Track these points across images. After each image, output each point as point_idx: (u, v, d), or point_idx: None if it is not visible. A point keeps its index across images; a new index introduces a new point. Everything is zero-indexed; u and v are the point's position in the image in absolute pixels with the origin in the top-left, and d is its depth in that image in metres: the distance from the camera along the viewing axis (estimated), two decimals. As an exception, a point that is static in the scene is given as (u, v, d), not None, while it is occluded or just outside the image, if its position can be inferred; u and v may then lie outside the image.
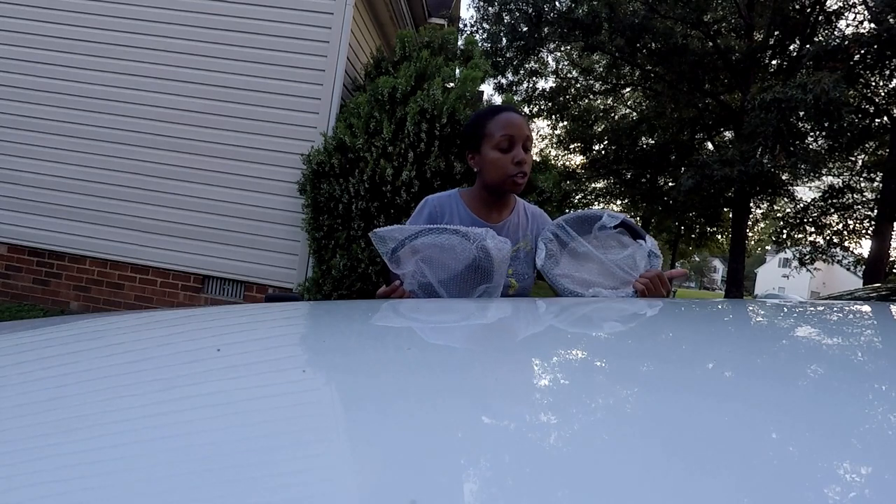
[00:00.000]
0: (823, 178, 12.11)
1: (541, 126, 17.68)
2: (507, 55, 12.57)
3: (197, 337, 0.64)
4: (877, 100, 10.37)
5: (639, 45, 11.46)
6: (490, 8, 12.16)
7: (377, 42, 5.65)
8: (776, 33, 11.13)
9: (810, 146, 10.64)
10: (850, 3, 10.85)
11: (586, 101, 15.54)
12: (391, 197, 3.99)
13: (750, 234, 15.65)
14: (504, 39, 12.08)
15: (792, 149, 9.68)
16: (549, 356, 0.54)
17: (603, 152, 15.69)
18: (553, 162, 15.73)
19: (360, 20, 4.94)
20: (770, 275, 51.58)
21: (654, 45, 11.45)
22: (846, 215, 11.84)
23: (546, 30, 11.51)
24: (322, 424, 0.34)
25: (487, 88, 32.38)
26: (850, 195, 11.82)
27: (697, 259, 55.13)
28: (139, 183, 4.70)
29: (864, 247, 11.71)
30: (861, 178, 12.09)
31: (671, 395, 0.38)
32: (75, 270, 4.81)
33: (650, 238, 1.19)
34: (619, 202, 18.10)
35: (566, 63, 15.35)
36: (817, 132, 9.95)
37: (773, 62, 11.81)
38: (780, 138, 9.11)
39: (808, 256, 12.78)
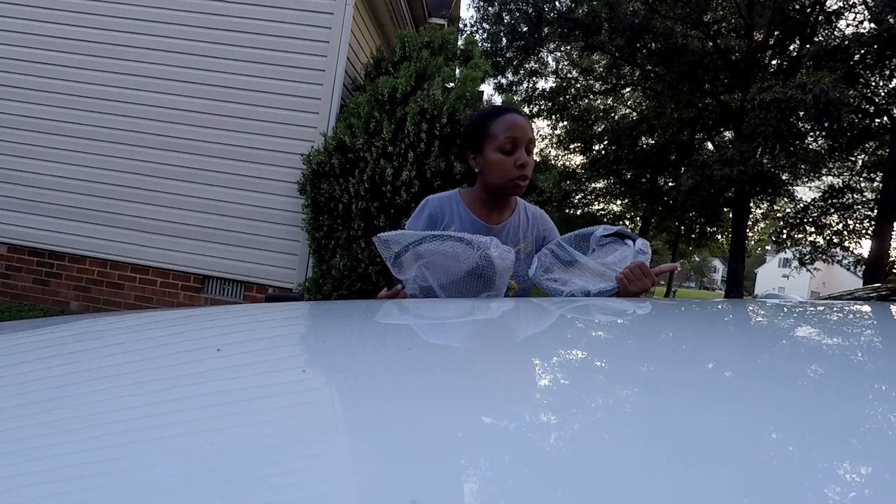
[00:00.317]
0: (823, 178, 12.11)
1: (541, 126, 17.65)
2: (507, 55, 12.56)
3: (197, 337, 0.64)
4: (877, 100, 10.36)
5: (639, 45, 11.46)
6: (490, 8, 12.15)
7: (377, 42, 5.65)
8: (776, 33, 11.13)
9: (810, 146, 10.64)
10: (850, 3, 10.85)
11: (586, 101, 15.54)
12: (391, 197, 3.99)
13: (750, 234, 15.65)
14: (504, 39, 12.07)
15: (792, 149, 9.67)
16: (549, 356, 0.54)
17: (603, 152, 15.68)
18: (553, 162, 15.75)
19: (360, 20, 4.94)
20: (770, 275, 51.58)
21: (654, 45, 11.45)
22: (846, 215, 11.83)
23: (546, 30, 11.51)
24: (322, 424, 0.34)
25: (487, 88, 32.38)
26: (850, 195, 11.81)
27: (697, 259, 55.11)
28: (139, 183, 4.70)
29: (864, 247, 11.72)
30: (861, 178, 12.09)
31: (671, 395, 0.38)
32: (75, 270, 4.81)
33: (642, 240, 1.19)
34: (619, 202, 18.10)
35: (566, 63, 15.35)
36: (817, 132, 9.94)
37: (773, 62, 11.81)
38: (780, 138, 9.11)
39: (808, 256, 12.78)
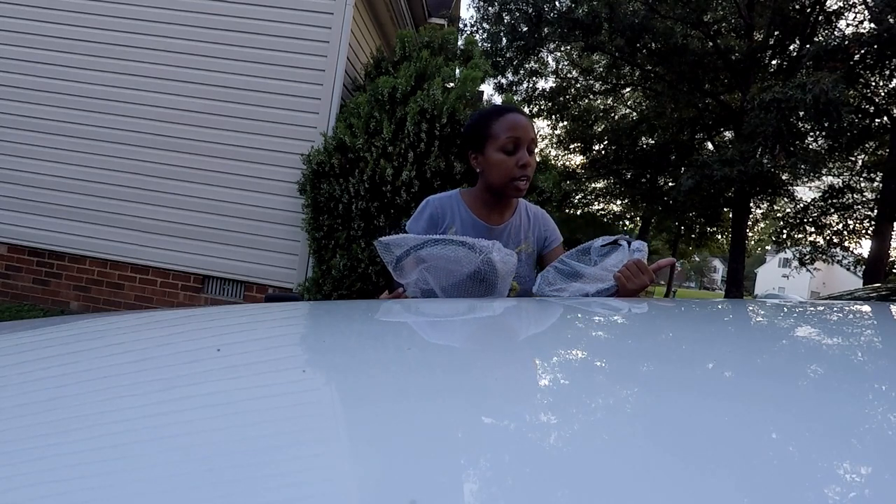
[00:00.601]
0: (823, 178, 12.11)
1: (541, 126, 17.64)
2: (507, 55, 12.56)
3: (197, 337, 0.64)
4: (877, 100, 10.36)
5: (639, 45, 11.45)
6: (490, 8, 12.15)
7: (377, 42, 5.65)
8: (776, 33, 11.12)
9: (810, 146, 10.63)
10: (850, 3, 10.84)
11: (586, 101, 15.53)
12: (391, 197, 3.99)
13: (750, 234, 15.64)
14: (504, 39, 12.07)
15: (792, 149, 9.67)
16: (549, 356, 0.54)
17: (603, 152, 15.68)
18: (553, 162, 15.74)
19: (360, 20, 4.94)
20: (770, 275, 51.58)
21: (654, 45, 11.45)
22: (846, 215, 11.82)
23: (546, 30, 11.50)
24: (322, 424, 0.34)
25: (487, 88, 32.38)
26: (850, 195, 11.81)
27: (697, 259, 55.11)
28: (139, 183, 4.70)
29: (864, 247, 11.72)
30: (861, 178, 12.08)
31: (671, 395, 0.38)
32: (75, 270, 4.81)
33: (638, 241, 1.19)
34: (619, 202, 18.09)
35: (566, 63, 15.34)
36: (817, 132, 9.94)
37: (773, 62, 11.80)
38: (779, 138, 9.11)
39: (808, 256, 12.78)
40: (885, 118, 10.24)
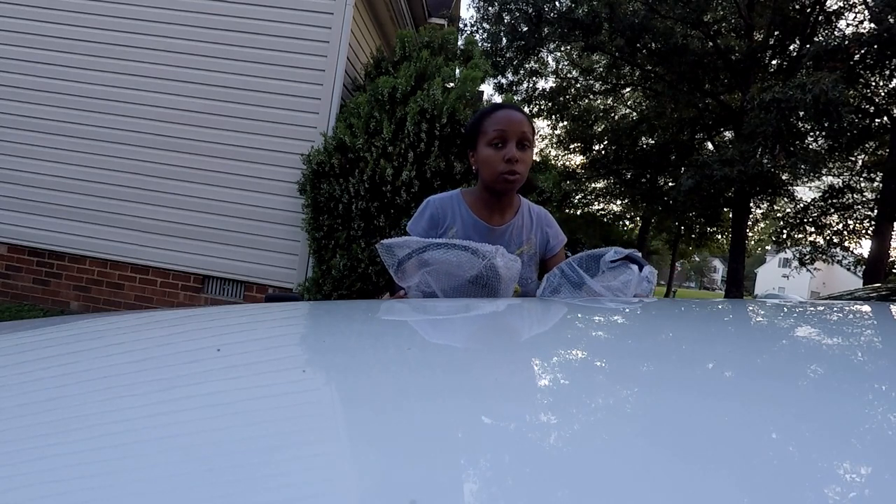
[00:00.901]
0: (823, 178, 12.11)
1: (541, 126, 17.64)
2: (507, 55, 12.56)
3: (197, 337, 0.64)
4: (877, 100, 10.36)
5: (639, 45, 11.46)
6: (490, 8, 12.15)
7: (377, 42, 5.65)
8: (776, 33, 11.13)
9: (810, 146, 10.64)
10: (850, 3, 10.85)
11: (586, 101, 15.54)
12: (391, 197, 3.99)
13: (750, 234, 15.65)
14: (504, 39, 12.07)
15: (792, 149, 9.67)
16: (549, 356, 0.54)
17: (603, 152, 15.68)
18: (553, 162, 15.74)
19: (360, 20, 4.94)
20: (770, 275, 51.57)
21: (654, 45, 11.45)
22: (846, 215, 11.83)
23: (546, 30, 11.50)
24: (322, 424, 0.34)
25: (487, 88, 32.34)
26: (850, 195, 11.81)
27: (697, 259, 55.11)
28: (139, 183, 4.70)
29: (864, 247, 11.72)
30: (861, 178, 12.09)
31: (671, 394, 0.38)
32: (75, 270, 4.81)
33: (649, 267, 1.18)
34: (619, 202, 18.09)
35: (566, 63, 15.35)
36: (817, 132, 9.94)
37: (773, 62, 11.81)
38: (779, 138, 9.11)
39: (808, 256, 12.78)
40: (885, 118, 10.24)
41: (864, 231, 11.60)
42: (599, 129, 15.84)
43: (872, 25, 9.13)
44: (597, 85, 15.11)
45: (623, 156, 15.02)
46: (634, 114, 15.78)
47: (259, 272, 4.65)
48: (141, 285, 4.77)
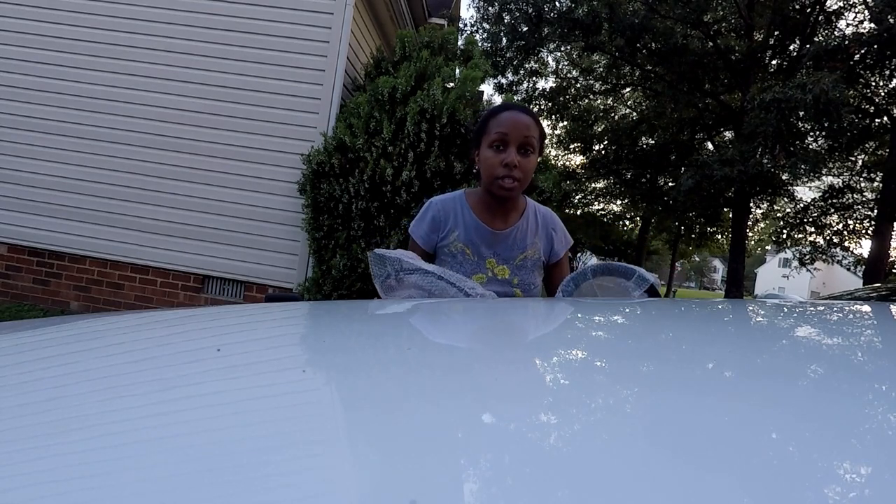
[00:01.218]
0: (823, 178, 12.11)
1: (541, 126, 17.58)
2: (507, 55, 12.56)
3: (197, 337, 0.64)
4: (877, 100, 10.36)
5: (639, 45, 11.46)
6: (490, 8, 12.15)
7: (377, 42, 5.65)
8: (776, 33, 11.12)
9: (810, 146, 10.63)
10: (850, 3, 10.84)
11: (586, 101, 15.53)
12: (391, 197, 3.99)
13: (750, 234, 15.63)
14: (504, 39, 12.07)
15: (792, 149, 9.67)
16: (549, 356, 0.54)
17: (603, 152, 15.68)
18: (553, 162, 15.74)
19: (360, 20, 4.94)
20: (770, 275, 51.58)
21: (654, 45, 11.45)
22: (846, 215, 11.83)
23: (546, 30, 11.50)
24: (322, 424, 0.34)
25: (487, 88, 32.39)
26: (850, 195, 11.81)
27: (697, 259, 55.09)
28: (139, 183, 4.70)
29: (864, 247, 11.72)
30: (861, 178, 12.09)
31: (671, 394, 0.38)
32: (75, 270, 4.81)
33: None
34: (619, 202, 18.10)
35: (566, 63, 15.35)
36: (817, 132, 9.94)
37: (773, 62, 11.80)
38: (779, 138, 9.11)
39: (808, 256, 12.78)
40: (885, 118, 10.24)
41: (864, 231, 11.60)
42: (599, 129, 15.84)
43: (872, 25, 9.13)
44: (597, 85, 15.11)
45: (623, 156, 15.02)
46: (634, 114, 15.78)
47: (259, 272, 4.65)
48: (141, 285, 4.77)
